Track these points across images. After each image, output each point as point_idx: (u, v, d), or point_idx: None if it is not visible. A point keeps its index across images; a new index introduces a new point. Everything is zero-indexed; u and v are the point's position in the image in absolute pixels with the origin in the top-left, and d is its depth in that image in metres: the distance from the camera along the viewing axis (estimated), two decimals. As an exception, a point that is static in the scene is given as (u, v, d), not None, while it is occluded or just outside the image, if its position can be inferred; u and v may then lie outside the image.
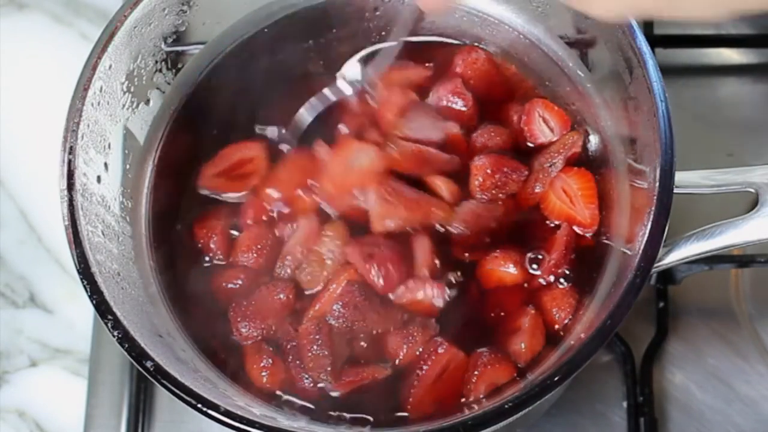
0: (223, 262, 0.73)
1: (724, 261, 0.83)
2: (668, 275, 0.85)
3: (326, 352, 0.68)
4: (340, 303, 0.68)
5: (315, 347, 0.68)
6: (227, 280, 0.72)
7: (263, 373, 0.69)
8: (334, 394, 0.68)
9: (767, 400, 0.84)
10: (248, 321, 0.70)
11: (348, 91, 0.74)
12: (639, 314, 0.86)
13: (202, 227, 0.73)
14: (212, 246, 0.73)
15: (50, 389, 0.89)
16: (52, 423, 0.88)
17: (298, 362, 0.69)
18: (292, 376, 0.69)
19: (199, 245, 0.73)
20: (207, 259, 0.73)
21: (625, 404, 0.83)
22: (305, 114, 0.74)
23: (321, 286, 0.70)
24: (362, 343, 0.69)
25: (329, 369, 0.68)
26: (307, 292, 0.71)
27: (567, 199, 0.71)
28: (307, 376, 0.68)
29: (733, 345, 0.86)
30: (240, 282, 0.71)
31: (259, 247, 0.72)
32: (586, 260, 0.70)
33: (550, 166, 0.72)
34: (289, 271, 0.71)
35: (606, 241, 0.70)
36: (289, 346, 0.69)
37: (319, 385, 0.68)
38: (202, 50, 0.76)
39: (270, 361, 0.69)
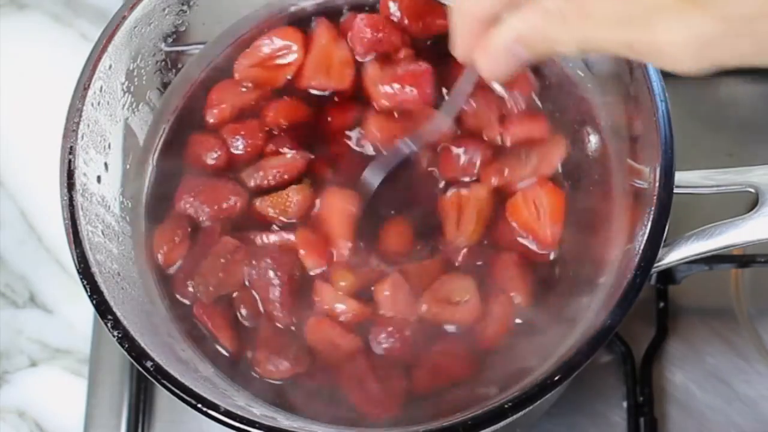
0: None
1: (724, 261, 0.83)
2: (668, 275, 0.84)
3: (220, 275, 0.67)
4: (272, 263, 0.68)
5: (218, 263, 0.67)
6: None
7: (164, 248, 0.69)
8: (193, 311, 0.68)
9: (767, 400, 0.84)
10: (192, 197, 0.70)
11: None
12: (639, 314, 0.86)
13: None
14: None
15: (50, 389, 0.89)
16: (52, 423, 0.88)
17: (196, 265, 0.68)
18: (183, 268, 0.69)
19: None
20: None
21: (625, 404, 0.83)
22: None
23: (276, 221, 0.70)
24: (260, 305, 0.68)
25: (211, 290, 0.67)
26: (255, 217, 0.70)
27: (534, 213, 0.69)
28: (192, 283, 0.68)
29: (733, 345, 0.86)
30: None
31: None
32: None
33: (525, 157, 0.71)
34: (253, 183, 0.71)
35: (560, 260, 0.69)
36: (201, 244, 0.69)
37: (194, 293, 0.68)
38: (202, 50, 0.76)
39: (178, 240, 0.69)
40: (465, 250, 0.69)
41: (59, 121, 0.66)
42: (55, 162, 0.65)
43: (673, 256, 0.65)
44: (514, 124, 0.72)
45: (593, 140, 0.73)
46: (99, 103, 0.68)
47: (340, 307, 0.67)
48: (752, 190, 0.65)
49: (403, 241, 0.70)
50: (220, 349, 0.67)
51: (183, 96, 0.75)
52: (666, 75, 0.64)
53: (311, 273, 0.68)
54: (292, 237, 0.69)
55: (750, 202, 0.66)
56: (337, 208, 0.69)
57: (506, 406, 0.59)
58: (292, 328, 0.67)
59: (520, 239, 0.69)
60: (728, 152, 0.92)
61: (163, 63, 0.74)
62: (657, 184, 0.63)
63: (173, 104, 0.75)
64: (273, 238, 0.69)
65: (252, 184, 0.71)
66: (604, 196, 0.70)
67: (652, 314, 0.86)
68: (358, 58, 0.74)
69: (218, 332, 0.67)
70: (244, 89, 0.74)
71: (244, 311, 0.68)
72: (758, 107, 0.94)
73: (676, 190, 0.63)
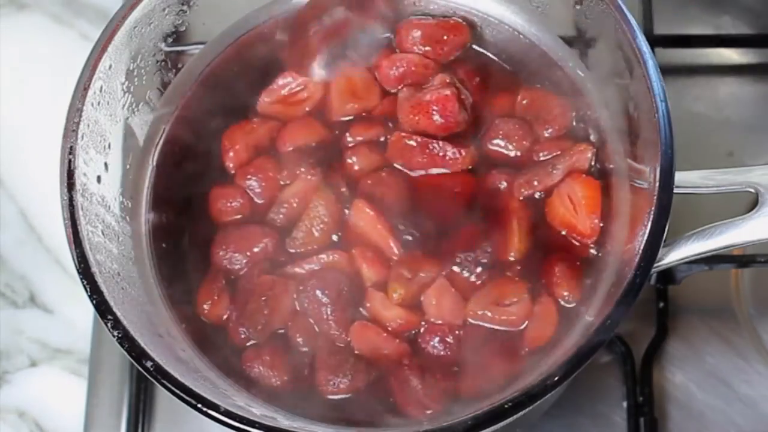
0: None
1: (724, 261, 0.83)
2: (668, 275, 0.85)
3: (266, 312, 0.68)
4: (318, 283, 0.68)
5: (260, 302, 0.68)
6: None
7: (206, 304, 0.69)
8: (251, 352, 0.68)
9: (767, 400, 0.84)
10: (227, 248, 0.70)
11: None
12: (639, 314, 0.86)
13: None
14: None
15: (50, 389, 0.89)
16: (52, 423, 0.88)
17: (242, 308, 0.68)
18: (230, 319, 0.69)
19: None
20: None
21: (625, 404, 0.83)
22: None
23: (304, 250, 0.70)
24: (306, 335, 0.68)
25: (260, 329, 0.68)
26: (291, 250, 0.71)
27: (571, 207, 0.69)
28: (243, 330, 0.68)
29: (733, 345, 0.86)
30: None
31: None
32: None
33: (552, 169, 0.71)
34: (280, 219, 0.71)
35: (601, 253, 0.69)
36: (242, 290, 0.69)
37: (248, 343, 0.68)
38: (202, 50, 0.76)
39: (218, 296, 0.69)
40: (512, 259, 0.69)
41: (59, 121, 0.66)
42: (55, 162, 0.65)
43: (673, 256, 0.65)
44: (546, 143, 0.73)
45: (593, 140, 0.73)
46: (99, 103, 0.68)
47: (390, 315, 0.68)
48: (752, 190, 0.66)
49: (450, 251, 0.70)
50: (275, 383, 0.67)
51: (183, 96, 0.75)
52: (666, 75, 0.65)
53: (368, 284, 0.69)
54: (331, 257, 0.69)
55: (750, 202, 0.66)
56: (370, 216, 0.70)
57: (506, 406, 0.59)
58: (342, 345, 0.68)
59: (562, 236, 0.70)
60: (728, 152, 0.92)
61: (163, 63, 0.74)
62: (657, 184, 0.63)
63: (173, 104, 0.75)
64: (313, 262, 0.70)
65: (279, 219, 0.71)
66: (604, 196, 0.70)
67: (652, 314, 0.86)
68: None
69: (274, 370, 0.67)
70: (254, 125, 0.74)
71: (300, 339, 0.68)
72: (758, 107, 0.94)
73: (676, 190, 0.63)
